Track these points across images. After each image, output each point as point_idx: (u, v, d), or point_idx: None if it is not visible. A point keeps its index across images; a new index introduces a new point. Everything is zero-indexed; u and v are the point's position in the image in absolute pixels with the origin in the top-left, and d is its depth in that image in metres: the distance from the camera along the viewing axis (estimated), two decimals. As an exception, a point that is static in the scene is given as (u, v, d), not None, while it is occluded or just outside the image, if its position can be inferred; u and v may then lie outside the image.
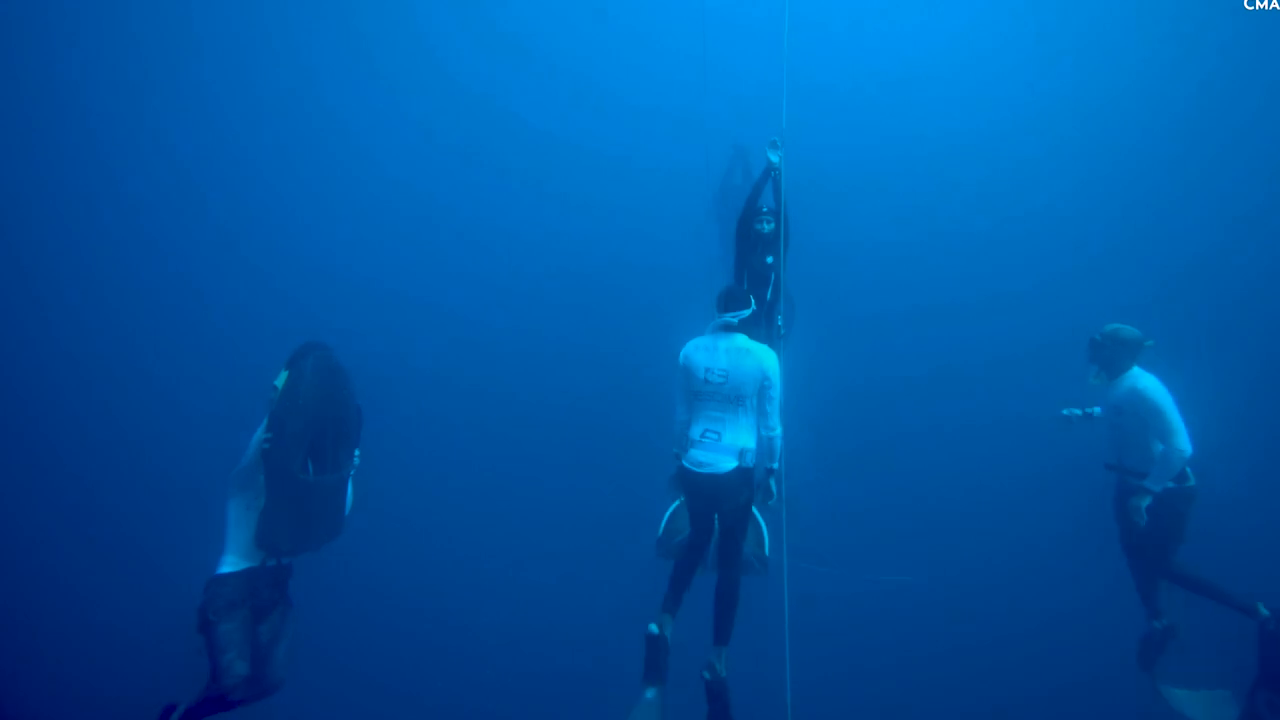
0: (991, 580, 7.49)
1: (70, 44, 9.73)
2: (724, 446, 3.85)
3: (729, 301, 4.08)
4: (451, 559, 8.19)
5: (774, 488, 4.06)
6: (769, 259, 5.01)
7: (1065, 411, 4.79)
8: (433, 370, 9.59)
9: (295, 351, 3.92)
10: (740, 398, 3.87)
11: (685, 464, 3.92)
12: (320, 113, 10.65)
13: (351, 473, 4.12)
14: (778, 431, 3.93)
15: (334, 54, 10.76)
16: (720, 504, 3.92)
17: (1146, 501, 4.16)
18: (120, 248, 9.51)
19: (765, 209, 5.15)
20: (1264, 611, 4.23)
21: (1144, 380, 4.23)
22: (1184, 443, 4.06)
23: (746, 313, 4.06)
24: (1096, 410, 4.74)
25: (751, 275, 5.03)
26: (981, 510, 8.10)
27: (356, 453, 4.15)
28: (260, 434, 3.75)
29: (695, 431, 3.92)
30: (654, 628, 3.89)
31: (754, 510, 4.44)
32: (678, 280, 4.76)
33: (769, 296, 4.96)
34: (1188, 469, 4.21)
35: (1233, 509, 5.07)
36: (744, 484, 3.91)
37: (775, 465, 3.99)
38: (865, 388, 8.72)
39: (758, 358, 3.92)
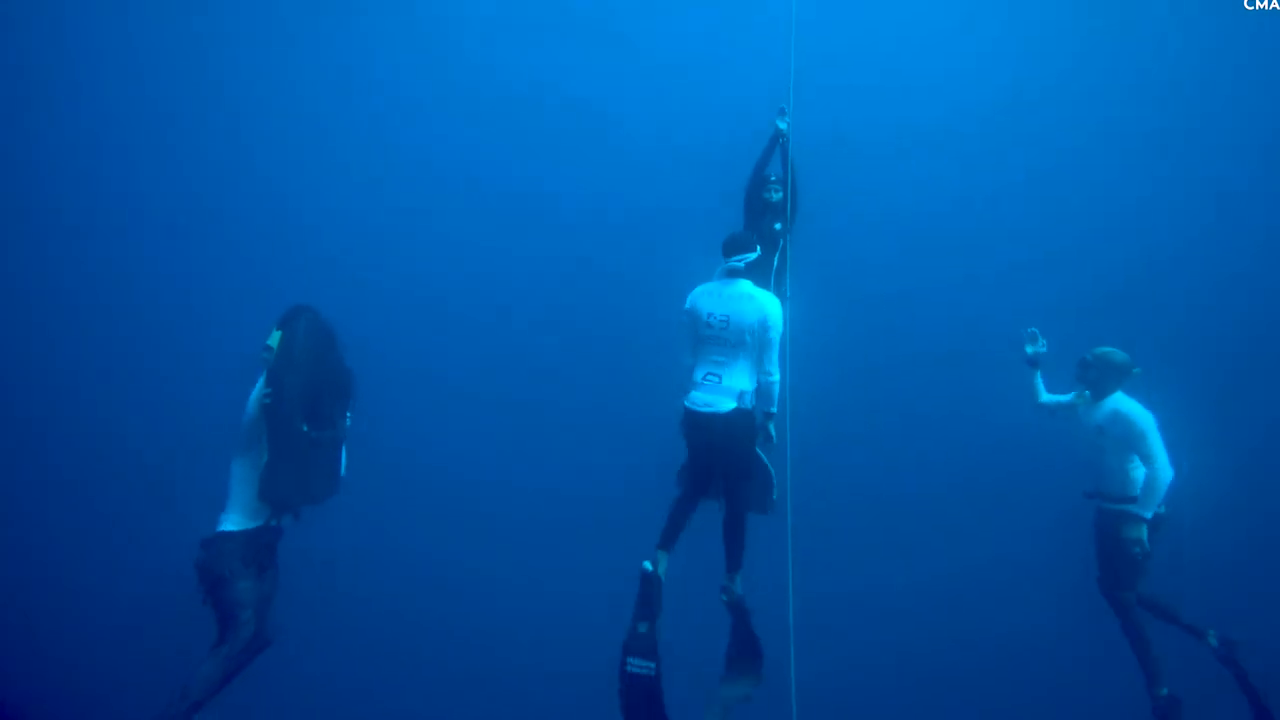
0: (996, 576, 7.37)
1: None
2: (724, 389, 3.97)
3: (733, 246, 4.17)
4: (446, 547, 8.04)
5: (773, 432, 4.18)
6: (776, 225, 4.98)
7: (1032, 329, 4.88)
8: (429, 356, 9.44)
9: (286, 313, 3.98)
10: (741, 343, 3.98)
11: (686, 404, 4.05)
12: (307, 88, 10.45)
13: (344, 435, 4.15)
14: (775, 377, 4.04)
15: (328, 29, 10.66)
16: (719, 443, 4.02)
17: (1143, 530, 4.15)
18: (103, 231, 9.35)
19: (773, 177, 5.15)
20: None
21: (1127, 403, 4.32)
22: (1166, 466, 4.13)
23: (751, 256, 4.16)
24: (1041, 394, 4.84)
25: (761, 240, 4.94)
26: (986, 503, 7.94)
27: (349, 414, 4.18)
28: (259, 391, 3.82)
29: (698, 374, 4.05)
30: (648, 565, 3.95)
31: (764, 457, 4.47)
32: (682, 269, 4.66)
33: (776, 263, 4.90)
34: None
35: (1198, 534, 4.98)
36: (744, 425, 4.02)
37: (774, 410, 4.11)
38: (870, 362, 8.59)
39: (759, 303, 4.03)
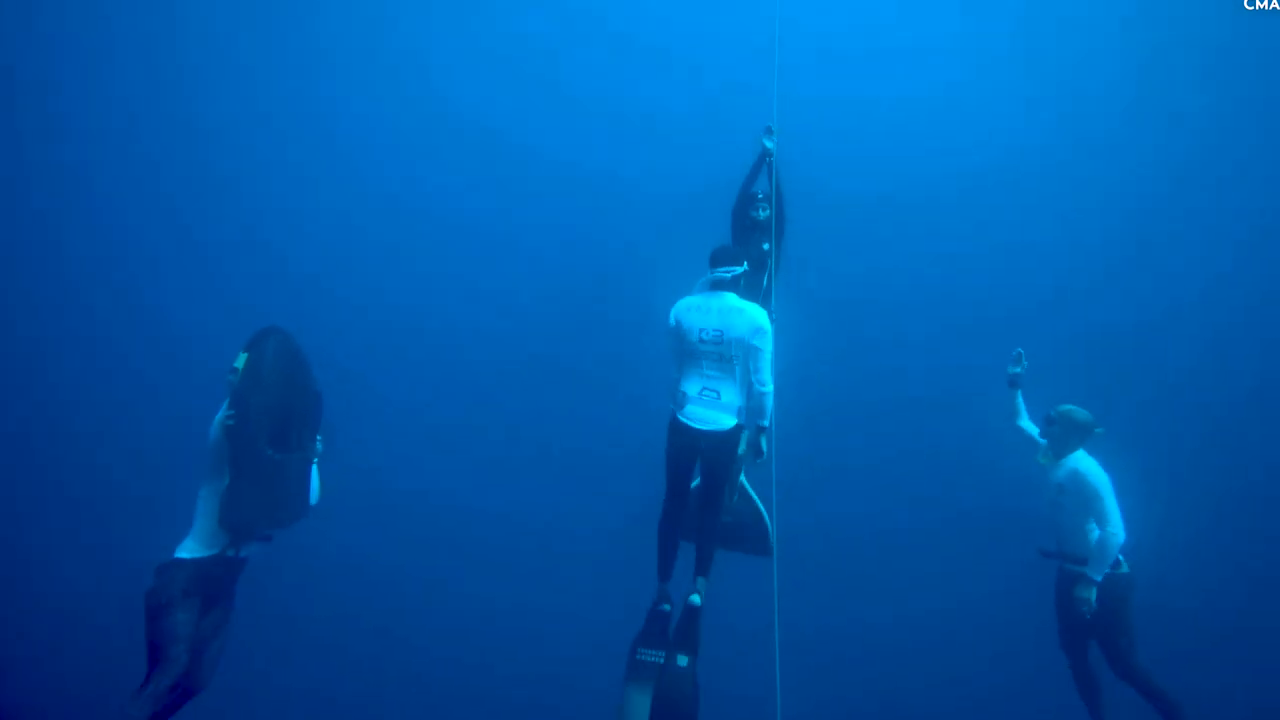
0: (983, 614, 7.39)
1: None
2: (723, 405, 3.93)
3: (721, 257, 4.11)
4: (432, 567, 8.02)
5: (764, 446, 4.08)
6: (765, 245, 4.89)
7: (1018, 350, 4.89)
8: (415, 378, 9.41)
9: (254, 335, 3.85)
10: (734, 356, 3.92)
11: (682, 418, 3.96)
12: (291, 106, 10.35)
13: (315, 458, 4.05)
14: (769, 388, 3.95)
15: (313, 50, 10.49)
16: (711, 458, 3.99)
17: (1092, 592, 4.20)
18: (82, 237, 9.24)
19: (760, 195, 5.04)
20: None
21: (1085, 462, 4.35)
22: (1118, 528, 4.16)
23: (739, 270, 4.09)
24: (1021, 416, 4.88)
25: (750, 262, 4.87)
26: (973, 541, 7.87)
27: (319, 438, 4.07)
28: (223, 413, 3.69)
29: (691, 388, 3.97)
30: (666, 607, 3.93)
31: (756, 500, 4.46)
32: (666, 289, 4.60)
33: (765, 284, 4.81)
34: (1120, 556, 4.25)
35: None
36: (737, 440, 4.02)
37: (766, 423, 4.02)
38: (856, 392, 8.57)
39: (749, 316, 3.96)
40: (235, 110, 9.99)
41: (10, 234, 8.95)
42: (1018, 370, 4.91)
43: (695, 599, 3.86)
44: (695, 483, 4.26)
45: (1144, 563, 4.38)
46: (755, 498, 4.55)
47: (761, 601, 4.03)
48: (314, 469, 4.06)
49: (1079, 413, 4.46)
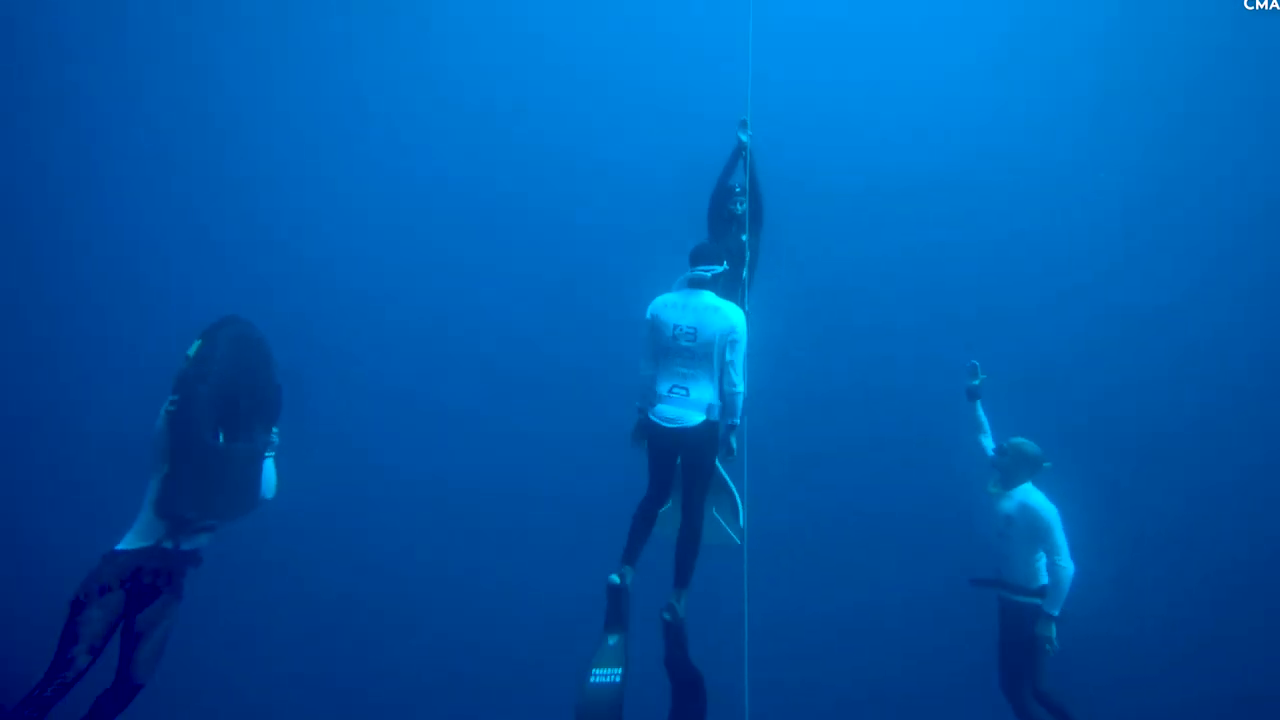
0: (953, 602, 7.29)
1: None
2: (691, 402, 3.94)
3: (701, 256, 4.15)
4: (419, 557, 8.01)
5: (734, 444, 4.08)
6: (744, 237, 4.82)
7: (973, 362, 4.91)
8: (411, 368, 9.39)
9: (212, 323, 3.80)
10: (707, 355, 3.94)
11: (652, 418, 4.00)
12: (287, 103, 10.37)
13: (271, 452, 3.96)
14: (740, 389, 3.97)
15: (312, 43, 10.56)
16: (686, 457, 4.01)
17: (1052, 628, 4.26)
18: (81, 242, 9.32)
19: (738, 189, 4.97)
20: None
21: (1034, 496, 4.44)
22: (1068, 561, 4.26)
23: (719, 268, 4.14)
24: (985, 430, 4.88)
25: (728, 256, 4.78)
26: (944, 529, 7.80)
27: (275, 430, 3.98)
28: (168, 400, 3.58)
29: (662, 387, 4.00)
30: (615, 578, 3.85)
31: (729, 482, 4.43)
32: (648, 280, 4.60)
33: (746, 275, 4.76)
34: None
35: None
36: (710, 437, 3.99)
37: (736, 421, 4.01)
38: (833, 382, 8.52)
39: (725, 315, 3.99)
40: (240, 105, 10.07)
41: (18, 232, 9.05)
42: (975, 383, 4.92)
43: (679, 613, 3.83)
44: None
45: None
46: (729, 481, 4.49)
47: (732, 589, 3.98)
48: (270, 462, 3.95)
49: (1029, 446, 4.54)
